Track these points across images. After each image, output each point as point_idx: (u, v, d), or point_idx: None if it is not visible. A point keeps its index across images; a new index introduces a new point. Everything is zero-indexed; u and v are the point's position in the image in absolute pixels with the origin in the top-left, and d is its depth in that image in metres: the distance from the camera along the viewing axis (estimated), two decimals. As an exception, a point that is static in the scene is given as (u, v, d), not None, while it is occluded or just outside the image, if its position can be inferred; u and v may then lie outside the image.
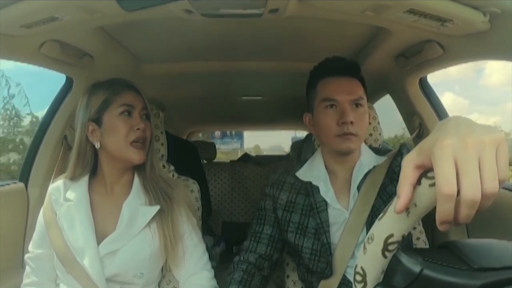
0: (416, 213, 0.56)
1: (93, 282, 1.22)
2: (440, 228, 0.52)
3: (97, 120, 1.30)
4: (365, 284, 0.62)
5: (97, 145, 1.31)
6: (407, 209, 0.56)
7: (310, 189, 1.41)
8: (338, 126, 1.30)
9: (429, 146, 0.54)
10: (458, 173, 0.50)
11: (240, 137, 12.73)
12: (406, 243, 1.39)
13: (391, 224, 0.58)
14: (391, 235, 0.57)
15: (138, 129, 1.31)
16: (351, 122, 1.29)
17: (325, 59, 1.41)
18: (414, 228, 1.54)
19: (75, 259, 1.24)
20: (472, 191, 0.49)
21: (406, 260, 0.56)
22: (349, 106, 1.32)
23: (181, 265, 1.36)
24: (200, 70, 2.08)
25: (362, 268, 0.62)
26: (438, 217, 0.51)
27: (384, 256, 0.58)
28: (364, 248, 0.62)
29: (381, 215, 0.60)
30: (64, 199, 1.32)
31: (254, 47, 1.83)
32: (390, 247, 0.58)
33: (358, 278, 0.62)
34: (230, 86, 2.59)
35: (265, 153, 7.31)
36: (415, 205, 0.55)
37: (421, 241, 1.55)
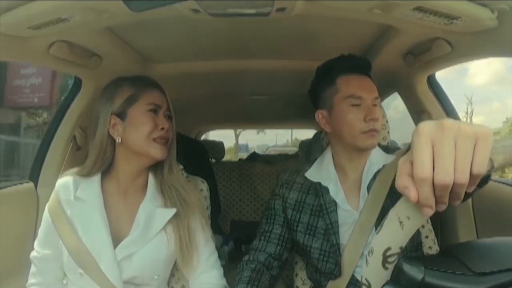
0: (409, 226, 0.56)
1: (112, 284, 1.22)
2: (423, 212, 0.53)
3: (121, 114, 1.29)
4: None
5: (118, 140, 1.29)
6: (400, 222, 0.56)
7: (319, 190, 1.41)
8: (365, 123, 1.31)
9: None
10: (434, 157, 0.50)
11: (247, 148, 22.68)
12: (415, 243, 1.40)
13: (387, 237, 0.59)
14: (389, 248, 0.58)
15: (162, 128, 1.30)
16: (376, 119, 1.31)
17: (341, 56, 1.41)
18: (423, 227, 1.54)
19: (94, 260, 1.22)
20: (442, 176, 0.49)
21: (408, 269, 0.56)
22: (372, 104, 1.34)
23: (191, 264, 1.35)
24: (208, 69, 2.08)
25: (366, 279, 0.62)
26: (419, 200, 0.52)
27: (385, 268, 0.59)
28: (366, 260, 0.62)
29: (378, 228, 0.61)
30: (75, 197, 1.30)
31: (262, 46, 1.83)
32: (390, 259, 0.58)
33: None
34: (238, 85, 2.59)
35: (253, 150, 8.04)
36: (408, 218, 0.56)
37: (429, 240, 1.55)
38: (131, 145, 1.30)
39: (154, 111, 1.31)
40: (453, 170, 0.49)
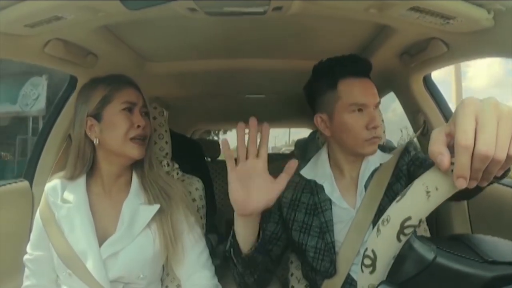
0: (436, 197, 0.56)
1: (99, 283, 1.21)
2: (457, 183, 0.53)
3: (96, 116, 1.28)
4: (374, 269, 0.60)
5: (96, 141, 1.29)
6: (427, 192, 0.56)
7: (314, 188, 1.40)
8: (367, 131, 1.29)
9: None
10: (477, 129, 0.52)
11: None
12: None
13: (409, 206, 0.58)
14: (409, 218, 0.57)
15: (138, 126, 1.30)
16: (378, 126, 1.30)
17: (342, 56, 1.36)
18: (418, 226, 1.54)
19: (80, 261, 1.23)
20: (486, 147, 0.51)
21: (420, 247, 0.56)
22: (374, 110, 1.31)
23: (181, 263, 1.35)
24: (204, 68, 2.07)
25: (373, 251, 0.61)
26: (456, 170, 0.53)
27: (399, 239, 0.58)
28: (378, 230, 0.60)
29: (398, 197, 0.60)
30: (62, 200, 1.31)
31: (258, 45, 1.83)
32: (406, 231, 0.57)
33: (367, 262, 0.61)
34: (234, 85, 2.58)
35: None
36: (437, 188, 0.55)
37: (425, 239, 1.55)
38: (108, 146, 1.30)
39: (129, 109, 1.31)
40: (495, 143, 0.51)
